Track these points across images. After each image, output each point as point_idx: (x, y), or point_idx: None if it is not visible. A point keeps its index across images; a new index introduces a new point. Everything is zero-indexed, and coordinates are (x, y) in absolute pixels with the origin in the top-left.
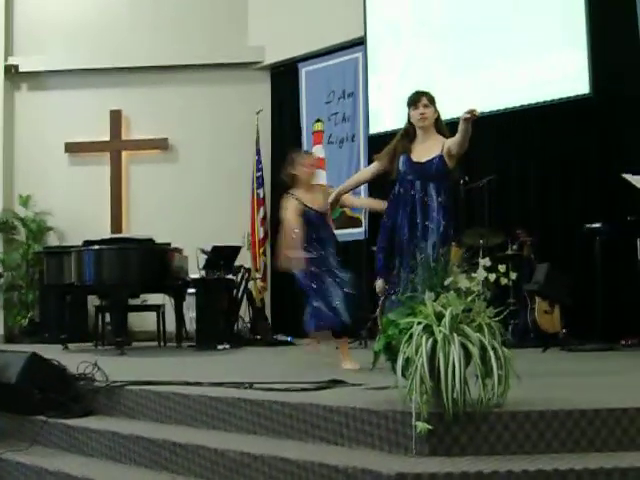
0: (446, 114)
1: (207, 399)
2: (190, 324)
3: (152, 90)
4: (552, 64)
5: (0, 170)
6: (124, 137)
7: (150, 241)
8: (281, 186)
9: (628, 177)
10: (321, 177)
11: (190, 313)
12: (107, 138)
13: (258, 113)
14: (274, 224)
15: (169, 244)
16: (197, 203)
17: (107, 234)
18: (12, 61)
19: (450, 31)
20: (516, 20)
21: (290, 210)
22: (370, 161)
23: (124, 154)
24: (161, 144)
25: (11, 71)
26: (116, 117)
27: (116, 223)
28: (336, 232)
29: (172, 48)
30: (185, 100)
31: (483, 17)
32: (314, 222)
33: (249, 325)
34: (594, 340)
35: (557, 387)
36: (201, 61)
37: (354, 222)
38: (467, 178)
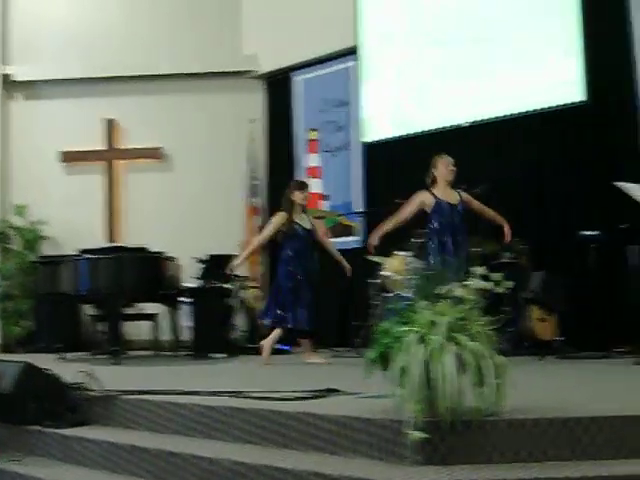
0: (440, 122)
1: (202, 408)
2: (185, 333)
3: (147, 99)
4: (547, 71)
5: None
6: (119, 146)
7: (144, 250)
8: (274, 194)
9: (621, 185)
10: (316, 185)
11: (185, 322)
12: (102, 147)
13: (252, 122)
14: None
15: (163, 253)
16: (192, 212)
17: (102, 243)
18: (7, 70)
19: (444, 39)
20: (511, 28)
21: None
22: (367, 169)
23: (119, 163)
24: (156, 153)
25: (6, 80)
26: (111, 126)
27: (111, 232)
28: (332, 240)
29: (166, 57)
30: (180, 109)
31: (478, 25)
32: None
33: (245, 334)
34: (589, 348)
35: (553, 395)
36: (195, 70)
37: (349, 230)
38: (465, 186)
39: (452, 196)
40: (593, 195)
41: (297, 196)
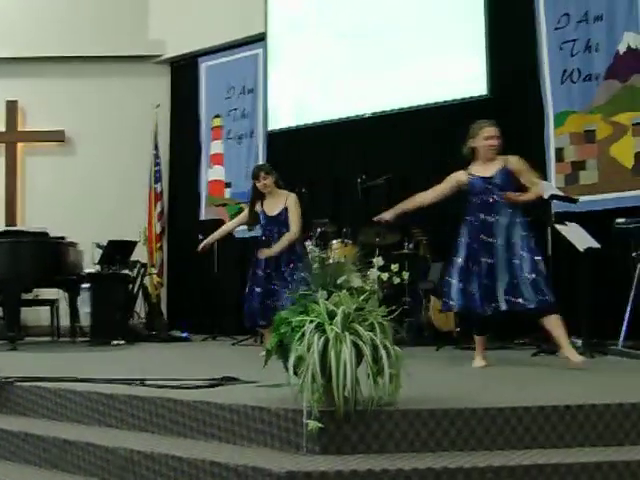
0: (347, 112)
1: (99, 396)
2: (85, 319)
3: (50, 81)
4: (452, 64)
5: None
6: (20, 128)
7: (44, 234)
8: (178, 181)
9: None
10: (218, 172)
11: (85, 308)
12: (2, 129)
13: (157, 107)
14: (171, 219)
15: (63, 238)
16: (94, 197)
17: (1, 227)
18: None
19: (352, 30)
20: (418, 20)
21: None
22: (269, 157)
23: (20, 146)
24: (58, 136)
25: None
26: (12, 108)
27: (10, 216)
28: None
29: (71, 40)
30: (83, 92)
31: (386, 18)
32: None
33: (144, 321)
34: (490, 339)
35: (449, 385)
36: (100, 53)
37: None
38: (364, 176)
39: (490, 168)
40: None
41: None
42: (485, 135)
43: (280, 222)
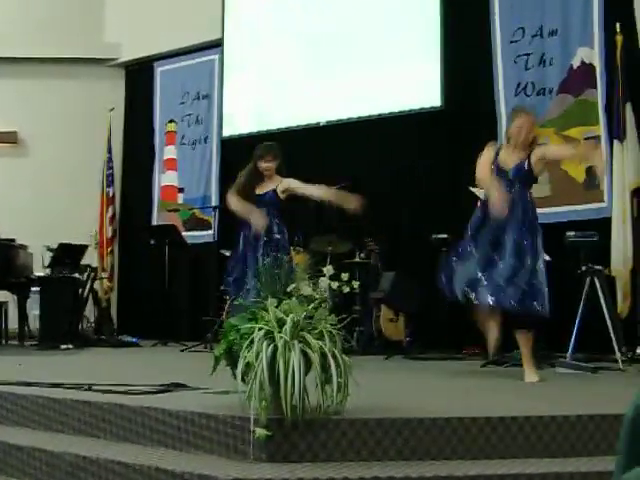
0: (299, 120)
1: (45, 400)
2: (34, 323)
3: (2, 82)
4: (407, 75)
5: None
6: None
7: None
8: (130, 185)
9: (474, 190)
10: (171, 178)
11: (34, 311)
12: None
13: (111, 111)
14: (123, 224)
15: (13, 240)
16: (44, 199)
17: None
18: None
19: (308, 37)
20: (374, 30)
21: None
22: (222, 164)
23: None
24: (10, 137)
25: None
26: None
27: None
28: (186, 234)
29: (25, 40)
30: (37, 94)
31: (342, 25)
32: None
33: (94, 325)
34: (441, 349)
35: (396, 395)
36: (54, 54)
37: (203, 224)
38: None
39: (511, 158)
40: (449, 198)
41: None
42: (514, 124)
43: (264, 202)
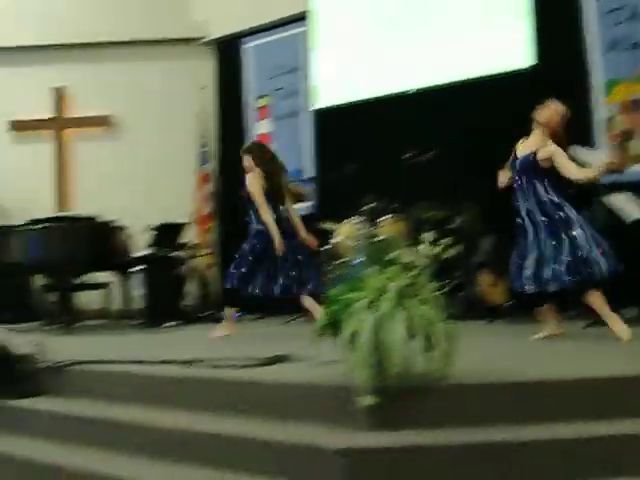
0: (389, 88)
1: (152, 378)
2: (138, 302)
3: (96, 67)
4: (496, 37)
5: None
6: (68, 114)
7: (94, 219)
8: (226, 162)
9: (578, 151)
10: None
11: (137, 291)
12: (51, 115)
13: (203, 89)
14: (220, 200)
15: (113, 222)
16: (142, 180)
17: (52, 213)
18: None
19: (396, 6)
20: None
21: None
22: (317, 135)
23: (68, 131)
24: (105, 121)
25: None
26: (60, 94)
27: (61, 201)
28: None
29: (115, 24)
30: (129, 77)
31: None
32: None
33: (196, 302)
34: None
35: (500, 359)
36: (144, 37)
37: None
38: (412, 152)
39: (527, 146)
40: None
41: None
42: (542, 114)
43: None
